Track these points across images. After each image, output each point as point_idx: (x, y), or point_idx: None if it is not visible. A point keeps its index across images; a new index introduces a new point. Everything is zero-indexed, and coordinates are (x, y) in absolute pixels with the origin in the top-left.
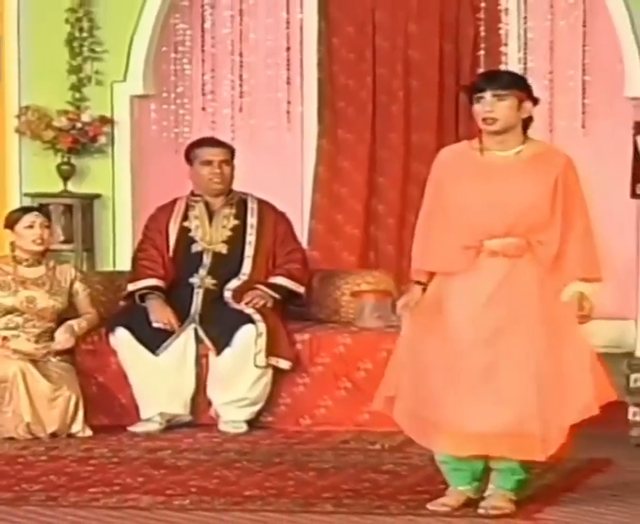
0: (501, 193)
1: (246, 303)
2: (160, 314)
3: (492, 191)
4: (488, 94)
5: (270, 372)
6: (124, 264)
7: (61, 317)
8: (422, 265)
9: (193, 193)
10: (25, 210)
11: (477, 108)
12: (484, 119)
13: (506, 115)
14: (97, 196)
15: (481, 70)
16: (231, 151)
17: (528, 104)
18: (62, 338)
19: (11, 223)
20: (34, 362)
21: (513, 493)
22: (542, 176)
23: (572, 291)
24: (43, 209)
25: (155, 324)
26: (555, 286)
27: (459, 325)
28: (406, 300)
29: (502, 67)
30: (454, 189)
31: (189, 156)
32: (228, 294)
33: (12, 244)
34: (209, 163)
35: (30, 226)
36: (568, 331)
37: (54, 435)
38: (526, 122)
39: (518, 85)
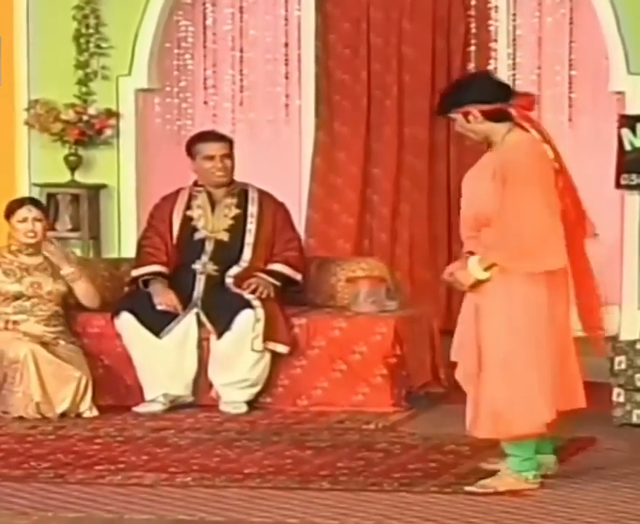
0: (464, 195)
1: (252, 292)
2: (164, 297)
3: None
4: (452, 116)
5: (268, 355)
6: (129, 251)
7: (66, 301)
8: None
9: (196, 184)
10: (20, 203)
11: None
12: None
13: (467, 129)
14: (103, 186)
15: (471, 65)
16: (230, 144)
17: (472, 111)
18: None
19: (8, 214)
20: (44, 344)
21: (516, 471)
22: (484, 174)
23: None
24: (38, 202)
25: (159, 307)
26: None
27: None
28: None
29: (492, 62)
30: None
31: (190, 150)
32: (229, 280)
33: (10, 233)
34: (211, 158)
35: (24, 220)
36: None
37: (63, 415)
38: (497, 117)
39: (451, 105)
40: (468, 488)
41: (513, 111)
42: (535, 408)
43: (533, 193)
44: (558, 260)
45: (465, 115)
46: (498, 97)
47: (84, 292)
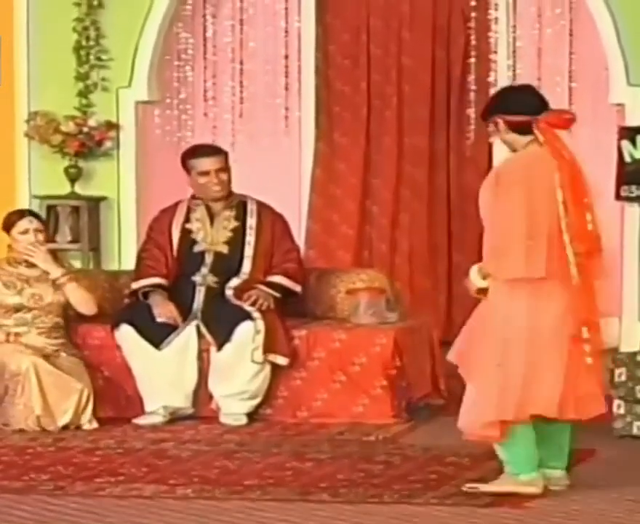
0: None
1: (252, 304)
2: (163, 309)
3: None
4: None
5: (268, 366)
6: (129, 263)
7: (66, 312)
8: None
9: (194, 197)
10: (20, 215)
11: None
12: None
13: (501, 139)
14: (103, 198)
15: (471, 76)
16: (225, 156)
17: (499, 122)
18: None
19: (7, 226)
20: (45, 356)
21: (513, 474)
22: (486, 184)
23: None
24: (36, 214)
25: (159, 319)
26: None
27: None
28: None
29: (492, 74)
30: None
31: (185, 164)
32: (229, 292)
33: (10, 246)
34: (206, 173)
35: (25, 232)
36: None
37: (64, 427)
38: (520, 129)
39: (486, 113)
40: (465, 487)
41: (534, 125)
42: (484, 410)
43: (512, 201)
44: (519, 270)
45: (495, 124)
46: (526, 111)
47: (78, 297)
